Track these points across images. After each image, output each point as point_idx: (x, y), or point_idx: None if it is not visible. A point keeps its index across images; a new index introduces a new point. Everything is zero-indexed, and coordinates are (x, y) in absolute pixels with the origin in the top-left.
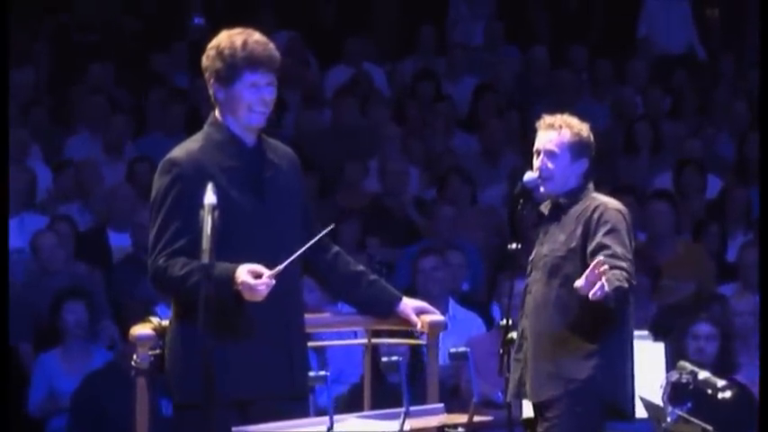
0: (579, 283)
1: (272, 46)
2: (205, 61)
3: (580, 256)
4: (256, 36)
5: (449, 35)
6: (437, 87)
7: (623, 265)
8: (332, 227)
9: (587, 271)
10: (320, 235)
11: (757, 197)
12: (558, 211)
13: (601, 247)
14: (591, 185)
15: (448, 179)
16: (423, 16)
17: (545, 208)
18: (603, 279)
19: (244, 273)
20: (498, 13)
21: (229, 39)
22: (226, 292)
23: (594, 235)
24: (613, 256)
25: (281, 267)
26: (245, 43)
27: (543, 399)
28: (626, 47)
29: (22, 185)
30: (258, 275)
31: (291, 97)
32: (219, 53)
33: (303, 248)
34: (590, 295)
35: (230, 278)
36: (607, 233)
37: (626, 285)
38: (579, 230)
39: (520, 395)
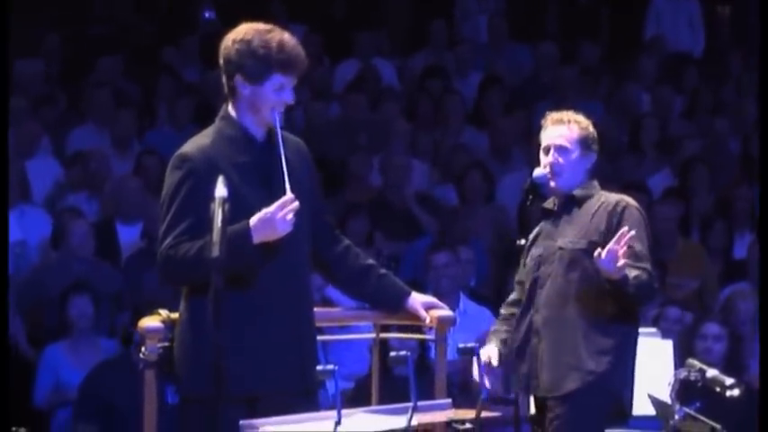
0: (601, 253)
1: (301, 48)
2: (231, 54)
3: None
4: (287, 36)
5: (457, 30)
6: (447, 82)
7: (646, 266)
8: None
9: (610, 245)
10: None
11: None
12: (571, 205)
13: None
14: (595, 181)
15: (467, 175)
16: (434, 11)
17: (550, 204)
18: (623, 260)
19: (259, 214)
20: (506, 9)
21: (261, 36)
22: (245, 244)
23: (618, 228)
24: (637, 257)
25: (289, 196)
26: (281, 44)
27: (562, 392)
28: (634, 45)
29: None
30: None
31: (301, 92)
32: (252, 51)
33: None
34: (610, 271)
35: (246, 227)
36: (631, 229)
37: (646, 279)
38: (603, 225)
39: (530, 389)
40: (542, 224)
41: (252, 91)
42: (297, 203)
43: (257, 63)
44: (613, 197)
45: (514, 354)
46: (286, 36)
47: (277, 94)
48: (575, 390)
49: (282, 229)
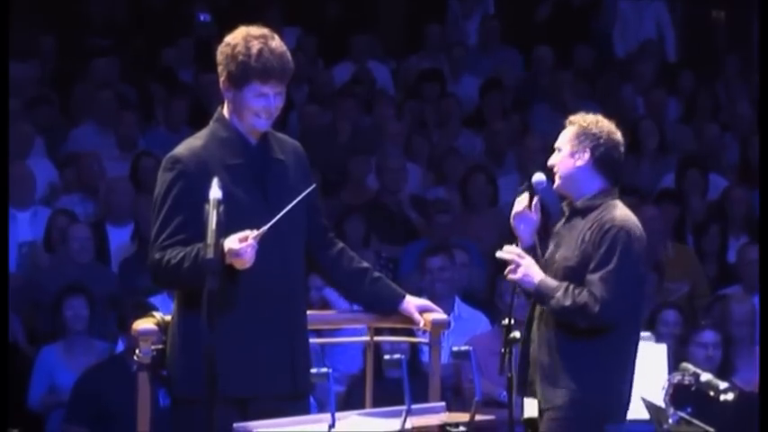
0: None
1: (287, 56)
2: (219, 56)
3: (586, 268)
4: (274, 44)
5: (449, 33)
6: (442, 85)
7: (597, 291)
8: (313, 186)
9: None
10: (301, 195)
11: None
12: (575, 217)
13: (596, 267)
14: (610, 191)
15: (469, 179)
16: (429, 14)
17: (566, 207)
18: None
19: (230, 241)
20: (496, 12)
21: (246, 43)
22: (217, 265)
23: (597, 251)
24: (601, 279)
25: (265, 228)
26: (260, 53)
27: (549, 405)
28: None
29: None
30: (245, 240)
31: (297, 95)
32: (234, 56)
33: (285, 209)
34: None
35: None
36: (606, 252)
37: (566, 303)
38: (588, 243)
39: (526, 393)
40: (559, 224)
41: (234, 95)
42: (255, 244)
43: (237, 69)
44: (609, 215)
45: (520, 356)
46: (273, 43)
47: (257, 101)
48: (560, 404)
49: (247, 259)
